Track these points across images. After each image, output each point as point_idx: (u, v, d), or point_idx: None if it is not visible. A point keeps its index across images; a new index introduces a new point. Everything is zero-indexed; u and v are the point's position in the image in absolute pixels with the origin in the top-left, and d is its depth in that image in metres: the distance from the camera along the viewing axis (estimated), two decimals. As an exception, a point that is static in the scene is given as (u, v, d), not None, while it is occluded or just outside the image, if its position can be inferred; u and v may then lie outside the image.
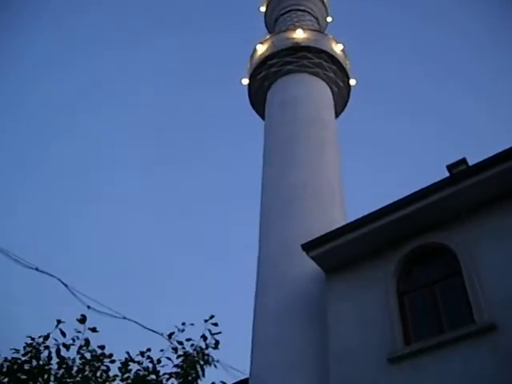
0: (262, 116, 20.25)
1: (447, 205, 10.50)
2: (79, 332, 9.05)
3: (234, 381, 12.05)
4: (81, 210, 56.58)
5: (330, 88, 19.70)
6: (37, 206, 53.78)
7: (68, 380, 8.91)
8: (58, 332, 8.97)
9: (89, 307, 8.34)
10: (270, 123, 18.31)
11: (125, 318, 8.63)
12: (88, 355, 9.21)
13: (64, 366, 9.07)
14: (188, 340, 9.47)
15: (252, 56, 21.65)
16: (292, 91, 18.71)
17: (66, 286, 7.85)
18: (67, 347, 9.11)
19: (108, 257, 54.97)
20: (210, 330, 9.60)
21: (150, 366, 9.25)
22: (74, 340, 9.17)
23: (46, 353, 9.16)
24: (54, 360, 9.09)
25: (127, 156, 57.32)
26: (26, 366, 8.97)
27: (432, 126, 55.28)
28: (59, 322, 9.04)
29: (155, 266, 55.02)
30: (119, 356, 9.44)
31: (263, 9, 26.07)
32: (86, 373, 9.05)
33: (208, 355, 9.43)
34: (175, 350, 9.37)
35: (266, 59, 20.30)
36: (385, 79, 56.16)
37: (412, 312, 10.28)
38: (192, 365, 9.20)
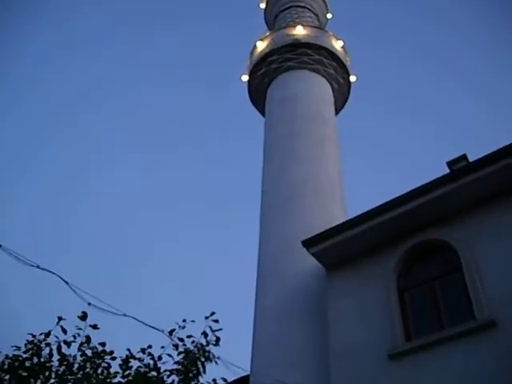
0: (262, 113, 20.25)
1: (447, 201, 10.50)
2: (80, 329, 9.03)
3: (235, 377, 12.02)
4: (81, 207, 56.59)
5: (330, 85, 19.69)
6: (37, 205, 53.86)
7: (69, 377, 8.91)
8: (59, 329, 8.96)
9: (90, 304, 8.33)
10: (270, 120, 18.31)
11: (125, 315, 8.61)
12: (89, 352, 9.20)
13: (65, 362, 9.06)
14: (189, 337, 9.46)
15: (252, 53, 21.64)
16: (292, 88, 18.70)
17: (66, 283, 7.84)
18: (68, 344, 9.10)
19: (108, 254, 55.01)
20: (210, 327, 9.59)
21: (151, 362, 9.24)
22: (75, 337, 9.15)
23: (47, 350, 9.16)
24: (55, 357, 9.08)
25: (127, 154, 57.38)
26: (27, 363, 8.97)
27: (432, 123, 55.25)
28: (60, 319, 9.03)
29: (156, 262, 55.09)
30: (120, 353, 9.44)
31: (263, 5, 26.06)
32: (87, 370, 9.04)
33: (209, 352, 9.42)
34: (176, 346, 9.36)
35: (266, 56, 20.29)
36: (385, 76, 56.19)
37: (412, 308, 10.29)
38: (193, 361, 9.19)
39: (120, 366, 9.24)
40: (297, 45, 20.02)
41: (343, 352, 10.43)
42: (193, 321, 9.51)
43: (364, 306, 10.74)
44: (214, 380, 9.76)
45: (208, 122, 58.86)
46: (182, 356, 9.26)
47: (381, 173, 53.50)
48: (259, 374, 11.44)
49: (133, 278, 54.94)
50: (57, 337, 9.11)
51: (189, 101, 57.72)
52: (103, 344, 9.30)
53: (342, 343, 10.57)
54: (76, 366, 9.10)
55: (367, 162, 54.16)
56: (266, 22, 25.77)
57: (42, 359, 9.03)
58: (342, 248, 11.38)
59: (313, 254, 11.62)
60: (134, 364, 9.24)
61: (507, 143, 10.05)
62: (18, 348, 9.16)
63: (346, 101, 20.92)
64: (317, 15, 24.46)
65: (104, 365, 9.19)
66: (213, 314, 9.48)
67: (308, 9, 24.24)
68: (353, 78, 20.72)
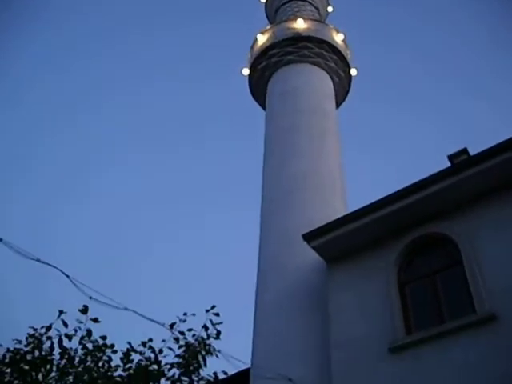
0: (263, 106, 20.23)
1: (448, 195, 10.50)
2: (81, 322, 9.06)
3: (236, 371, 12.06)
4: (81, 203, 56.64)
5: (331, 78, 19.67)
6: (37, 201, 53.92)
7: (70, 370, 8.94)
8: (60, 322, 8.99)
9: (90, 298, 8.34)
10: (270, 113, 18.29)
11: (126, 308, 8.63)
12: (90, 345, 9.22)
13: (66, 356, 9.08)
14: (189, 330, 9.48)
15: (253, 46, 21.60)
16: (293, 81, 18.67)
17: (67, 276, 7.84)
18: (69, 338, 9.12)
19: (109, 249, 55.07)
20: (211, 320, 9.60)
21: (152, 356, 9.26)
22: (76, 330, 9.18)
23: (48, 343, 9.18)
24: (56, 350, 9.10)
25: (127, 153, 57.41)
26: (29, 357, 8.99)
27: (433, 118, 55.32)
28: (61, 312, 9.04)
29: (156, 257, 55.14)
30: (121, 346, 9.46)
31: (264, -1, 26.00)
32: (88, 363, 9.06)
33: (209, 345, 9.43)
34: (177, 340, 9.38)
35: (266, 49, 20.26)
36: (385, 70, 56.03)
37: (413, 302, 10.30)
38: (194, 355, 9.21)
39: (121, 359, 9.26)
40: (297, 38, 19.99)
41: (344, 345, 10.45)
42: (193, 314, 9.52)
43: (365, 299, 10.75)
44: (215, 373, 9.77)
45: (208, 122, 58.78)
46: (182, 349, 9.28)
47: (381, 166, 53.61)
48: (260, 367, 11.47)
49: (133, 273, 55.10)
50: (58, 330, 9.13)
51: (189, 100, 57.84)
52: (104, 337, 9.32)
53: (342, 336, 10.58)
54: (77, 359, 9.12)
55: (368, 155, 54.21)
56: (267, 16, 25.73)
57: (43, 352, 9.06)
58: (343, 241, 11.38)
59: (313, 248, 11.62)
60: (135, 357, 9.26)
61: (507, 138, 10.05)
62: (19, 341, 9.18)
63: (346, 94, 20.90)
64: (317, 8, 24.41)
65: (105, 358, 9.21)
66: (213, 307, 9.49)
67: (309, 2, 24.19)
68: (353, 72, 20.69)
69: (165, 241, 56.98)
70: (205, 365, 9.35)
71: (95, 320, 9.17)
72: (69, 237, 54.06)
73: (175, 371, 9.19)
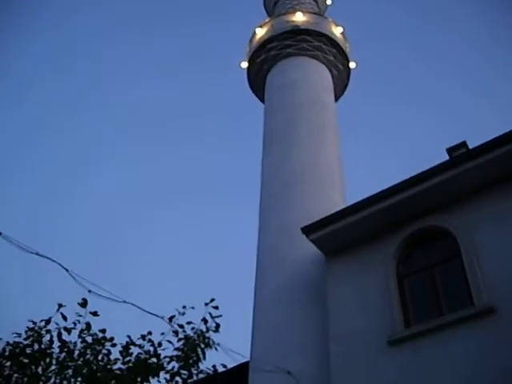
0: (262, 100, 20.21)
1: (447, 188, 10.51)
2: (80, 316, 9.06)
3: (235, 364, 12.09)
4: (80, 198, 56.68)
5: (330, 71, 19.64)
6: (36, 196, 54.00)
7: (70, 363, 8.95)
8: (60, 316, 9.00)
9: (90, 291, 8.35)
10: (269, 107, 18.27)
11: (125, 301, 8.64)
12: (89, 339, 9.24)
13: (65, 349, 9.10)
14: (189, 323, 9.49)
15: (251, 39, 21.55)
16: (292, 74, 18.65)
17: (66, 270, 7.84)
18: (68, 331, 9.13)
19: (108, 243, 55.15)
20: (210, 314, 9.61)
21: (151, 349, 9.27)
22: (75, 324, 9.19)
23: (47, 337, 9.20)
24: (56, 344, 9.11)
25: (127, 149, 57.39)
26: (28, 350, 9.00)
27: (432, 112, 55.41)
28: (60, 306, 9.06)
29: (155, 250, 55.19)
30: (120, 339, 9.47)
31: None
32: (88, 356, 9.08)
33: (209, 338, 9.45)
34: (176, 333, 9.39)
35: (265, 42, 20.21)
36: (384, 67, 56.02)
37: (412, 295, 10.32)
38: (193, 348, 9.23)
39: (120, 352, 9.28)
40: (296, 31, 19.94)
41: (343, 338, 10.46)
42: (192, 307, 9.54)
43: (364, 292, 10.77)
44: (214, 366, 9.80)
45: (207, 119, 58.88)
46: (181, 342, 9.30)
47: (380, 159, 53.61)
48: (259, 360, 11.49)
49: (132, 266, 55.15)
50: (57, 324, 9.14)
51: (189, 99, 57.77)
52: (103, 331, 9.34)
53: (341, 330, 10.60)
54: (76, 352, 9.14)
55: (367, 148, 54.21)
56: (266, 9, 25.67)
57: (43, 346, 9.07)
58: (342, 234, 11.39)
59: (312, 241, 11.63)
60: (135, 350, 9.28)
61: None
62: (19, 335, 9.20)
63: (345, 87, 20.87)
64: (316, 1, 24.34)
65: (104, 351, 9.22)
66: (212, 300, 9.50)
67: (307, -5, 24.11)
68: (352, 65, 20.66)
69: (164, 235, 57.05)
70: (204, 358, 9.37)
71: (94, 313, 9.18)
72: (67, 231, 54.16)
73: (174, 364, 9.21)
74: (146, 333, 9.46)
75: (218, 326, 9.48)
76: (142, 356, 9.16)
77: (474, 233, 10.04)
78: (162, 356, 9.24)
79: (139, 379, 8.95)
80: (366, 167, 51.02)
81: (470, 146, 11.78)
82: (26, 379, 8.80)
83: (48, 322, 9.20)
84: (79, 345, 9.23)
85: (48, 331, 9.22)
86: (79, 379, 8.81)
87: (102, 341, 9.26)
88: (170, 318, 9.26)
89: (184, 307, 9.47)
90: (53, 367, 9.03)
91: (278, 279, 12.89)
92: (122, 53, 56.12)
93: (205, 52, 58.87)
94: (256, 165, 17.75)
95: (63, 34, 53.80)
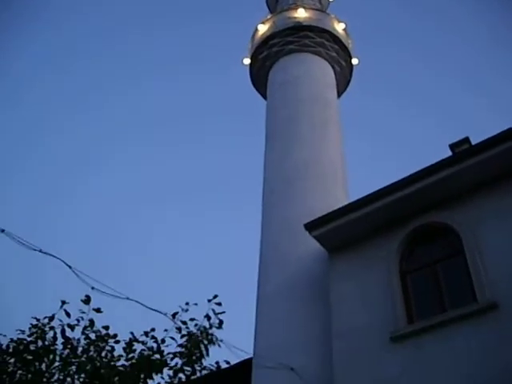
0: (264, 96, 20.19)
1: (450, 184, 10.50)
2: (84, 313, 9.12)
3: (238, 360, 12.11)
4: (81, 196, 56.74)
5: (332, 67, 19.60)
6: (37, 195, 54.08)
7: (73, 360, 8.99)
8: (63, 313, 9.04)
9: (93, 288, 8.36)
10: (271, 103, 18.26)
11: (128, 298, 8.65)
12: (93, 335, 9.28)
13: (69, 346, 9.14)
14: (192, 320, 9.53)
15: (253, 36, 21.52)
16: (294, 71, 18.62)
17: (69, 267, 7.85)
18: (72, 328, 9.17)
19: (111, 240, 55.21)
20: (213, 310, 9.65)
21: (155, 345, 9.31)
22: (78, 321, 9.23)
23: (51, 333, 9.24)
24: (59, 340, 9.16)
25: (126, 147, 57.44)
26: (32, 347, 9.04)
27: (433, 111, 55.43)
28: (64, 302, 9.09)
29: (158, 247, 55.26)
30: (124, 336, 9.51)
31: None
32: (91, 353, 9.12)
33: (212, 335, 9.48)
34: (179, 329, 9.42)
35: (267, 39, 20.16)
36: (386, 65, 55.99)
37: (414, 291, 10.32)
38: (196, 344, 9.26)
39: (124, 349, 9.32)
40: (298, 28, 19.89)
41: (345, 335, 10.47)
42: (196, 304, 9.57)
43: (366, 288, 10.77)
44: (217, 363, 9.84)
45: (208, 118, 58.86)
46: (185, 339, 9.34)
47: (383, 156, 53.60)
48: (262, 356, 11.51)
49: (135, 263, 55.20)
50: (61, 320, 9.19)
51: (189, 99, 57.82)
52: (107, 327, 9.38)
53: (344, 326, 10.61)
54: (80, 349, 9.18)
55: (369, 144, 54.25)
56: (268, 5, 25.62)
57: (47, 342, 9.11)
58: (345, 231, 11.39)
59: (315, 237, 11.63)
60: (138, 347, 9.33)
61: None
62: (23, 332, 9.23)
63: (348, 84, 20.82)
64: (318, -3, 24.28)
65: (108, 348, 9.27)
66: (216, 296, 9.53)
67: (310, -9, 24.06)
68: (355, 61, 20.61)
69: (164, 235, 57.15)
70: (207, 354, 9.40)
71: (98, 310, 9.21)
72: (68, 231, 54.28)
73: (178, 361, 9.25)
74: (149, 329, 9.50)
75: (221, 322, 9.52)
76: (146, 352, 9.20)
77: (477, 229, 10.03)
78: (165, 352, 9.28)
79: (142, 376, 8.97)
80: (369, 163, 51.08)
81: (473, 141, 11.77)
82: (29, 376, 8.83)
83: (51, 318, 9.24)
84: (83, 341, 9.27)
85: (51, 328, 9.26)
86: (83, 375, 8.84)
87: (106, 337, 9.30)
88: (173, 315, 9.29)
89: (187, 304, 9.50)
90: (56, 364, 9.06)
91: (281, 276, 12.89)
92: (122, 53, 56.13)
93: (205, 52, 58.89)
94: (257, 162, 17.78)
95: (63, 33, 53.88)
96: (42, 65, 54.55)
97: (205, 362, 9.58)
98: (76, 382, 8.81)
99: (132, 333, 9.42)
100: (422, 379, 9.10)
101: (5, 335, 9.24)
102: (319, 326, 11.53)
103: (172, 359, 9.29)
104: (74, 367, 8.91)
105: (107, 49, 59.54)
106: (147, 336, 9.39)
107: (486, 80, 51.48)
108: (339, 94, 20.21)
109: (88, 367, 8.71)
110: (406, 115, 56.50)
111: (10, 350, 8.96)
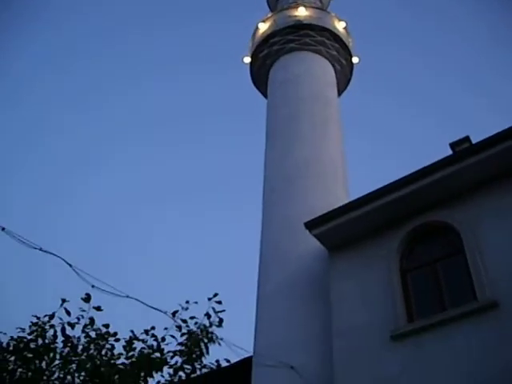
0: (265, 95, 20.18)
1: (450, 183, 10.50)
2: (84, 311, 9.12)
3: (238, 359, 12.12)
4: (81, 195, 56.77)
5: (333, 66, 19.59)
6: (37, 193, 54.12)
7: (73, 358, 8.99)
8: (63, 311, 9.05)
9: (93, 286, 8.37)
10: (272, 101, 18.25)
11: (128, 296, 8.65)
12: (93, 334, 9.29)
13: (69, 344, 9.14)
14: (192, 318, 9.53)
15: (254, 34, 21.51)
16: (294, 69, 18.61)
17: (70, 265, 7.86)
18: (72, 326, 9.17)
19: (111, 238, 55.21)
20: (213, 308, 9.65)
21: (155, 344, 9.31)
22: (78, 319, 9.24)
23: (51, 331, 9.24)
24: (60, 338, 9.17)
25: (126, 147, 57.44)
26: (32, 345, 9.04)
27: (432, 110, 55.45)
28: (64, 300, 9.09)
29: (158, 245, 55.26)
30: (124, 334, 9.51)
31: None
32: (91, 351, 9.12)
33: (212, 333, 9.49)
34: (179, 328, 9.42)
35: (267, 37, 20.16)
36: (386, 64, 56.07)
37: (415, 290, 10.32)
38: (196, 343, 9.26)
39: (124, 347, 9.32)
40: (299, 26, 19.88)
41: (346, 333, 10.47)
42: (196, 302, 9.58)
43: (366, 287, 10.77)
44: (218, 361, 9.84)
45: (208, 118, 58.88)
46: (185, 337, 9.34)
47: (383, 154, 53.61)
48: (262, 355, 11.51)
49: (135, 261, 55.24)
50: (61, 318, 9.20)
51: (189, 99, 57.83)
52: (107, 326, 9.39)
53: (344, 325, 10.61)
54: (80, 347, 9.18)
55: (370, 143, 54.24)
56: (269, 4, 25.61)
57: (47, 341, 9.11)
58: (345, 229, 11.39)
59: (315, 236, 11.63)
60: (138, 345, 9.33)
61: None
62: (23, 330, 9.24)
63: (348, 82, 20.81)
64: (319, -4, 24.27)
65: (108, 346, 9.27)
66: (216, 295, 9.54)
67: (310, -11, 24.05)
68: (355, 60, 20.60)
69: (164, 234, 57.19)
70: (207, 353, 9.41)
71: (98, 308, 9.22)
72: (68, 231, 54.30)
73: (178, 359, 9.26)
74: (149, 328, 9.50)
75: (221, 320, 9.52)
76: (146, 351, 9.20)
77: (477, 228, 10.03)
78: (165, 351, 9.29)
79: (143, 374, 8.98)
80: (369, 162, 51.05)
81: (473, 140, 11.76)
82: (30, 374, 8.84)
83: (52, 316, 9.25)
84: (83, 340, 9.28)
85: (52, 326, 9.27)
86: (83, 374, 8.85)
87: (106, 336, 9.31)
88: (174, 313, 9.29)
89: (187, 302, 9.51)
90: (57, 362, 9.07)
91: (281, 274, 12.89)
92: (122, 53, 56.09)
93: (205, 52, 58.84)
94: (257, 161, 17.77)
95: (63, 33, 53.85)
96: (42, 65, 54.60)
97: (205, 361, 9.59)
98: (76, 380, 8.82)
99: (132, 331, 9.43)
100: (422, 378, 9.10)
101: (5, 333, 9.24)
102: (319, 325, 11.54)
103: (172, 357, 9.30)
104: (74, 365, 8.92)
105: (107, 49, 59.54)
106: (147, 334, 9.39)
107: (486, 80, 51.53)
108: (339, 93, 20.20)
109: (88, 365, 8.71)
110: (406, 114, 56.53)
111: (11, 348, 8.97)
